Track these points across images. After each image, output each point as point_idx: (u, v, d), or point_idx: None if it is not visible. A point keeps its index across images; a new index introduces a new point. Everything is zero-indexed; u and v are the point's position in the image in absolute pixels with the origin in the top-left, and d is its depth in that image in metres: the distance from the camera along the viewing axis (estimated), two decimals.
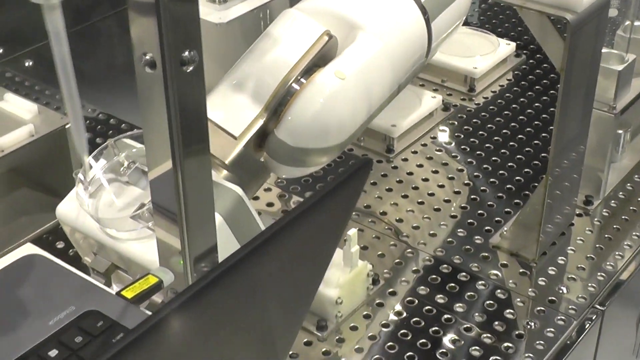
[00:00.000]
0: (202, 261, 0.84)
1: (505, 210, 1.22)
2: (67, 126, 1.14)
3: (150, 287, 0.81)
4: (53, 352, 0.74)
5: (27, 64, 1.51)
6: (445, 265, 1.13)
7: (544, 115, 1.42)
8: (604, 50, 1.12)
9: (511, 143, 1.36)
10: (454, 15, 1.17)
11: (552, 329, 1.04)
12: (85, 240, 1.00)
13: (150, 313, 0.79)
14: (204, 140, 0.79)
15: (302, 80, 1.00)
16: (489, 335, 1.03)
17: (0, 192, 1.11)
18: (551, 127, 1.38)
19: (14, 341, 0.75)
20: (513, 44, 1.53)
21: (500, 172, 1.30)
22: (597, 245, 1.17)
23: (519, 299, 1.08)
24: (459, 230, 1.19)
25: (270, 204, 1.23)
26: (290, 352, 1.00)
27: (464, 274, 1.12)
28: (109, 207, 0.97)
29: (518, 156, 1.33)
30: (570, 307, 1.07)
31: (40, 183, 1.16)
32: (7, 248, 1.11)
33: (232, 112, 0.99)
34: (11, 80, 1.47)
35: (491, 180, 1.28)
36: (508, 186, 1.27)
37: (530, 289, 1.10)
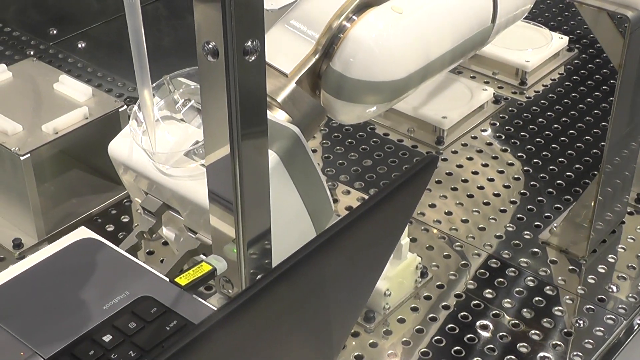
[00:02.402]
0: (253, 247, 0.84)
1: (555, 206, 1.21)
2: (120, 109, 1.14)
3: (204, 275, 0.82)
4: (107, 337, 0.74)
5: (79, 46, 1.52)
6: (494, 260, 1.12)
7: (595, 111, 1.40)
8: None
9: (562, 138, 1.34)
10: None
11: (601, 328, 1.03)
12: (136, 179, 0.98)
13: (202, 301, 0.80)
14: (262, 128, 0.79)
15: (353, 17, 1.00)
16: (537, 332, 1.02)
17: (53, 173, 1.12)
18: (603, 123, 1.37)
19: (68, 324, 0.76)
20: (566, 38, 1.52)
21: (551, 167, 1.29)
22: None
23: (567, 297, 1.08)
24: (508, 225, 1.18)
25: None
26: None
27: (512, 269, 1.11)
28: (162, 143, 0.95)
29: (569, 151, 1.32)
30: (619, 306, 1.06)
31: (92, 165, 1.16)
32: (58, 229, 1.12)
33: (284, 51, 0.99)
34: (64, 62, 1.48)
35: (541, 175, 1.27)
36: (558, 182, 1.26)
37: (579, 287, 1.09)
